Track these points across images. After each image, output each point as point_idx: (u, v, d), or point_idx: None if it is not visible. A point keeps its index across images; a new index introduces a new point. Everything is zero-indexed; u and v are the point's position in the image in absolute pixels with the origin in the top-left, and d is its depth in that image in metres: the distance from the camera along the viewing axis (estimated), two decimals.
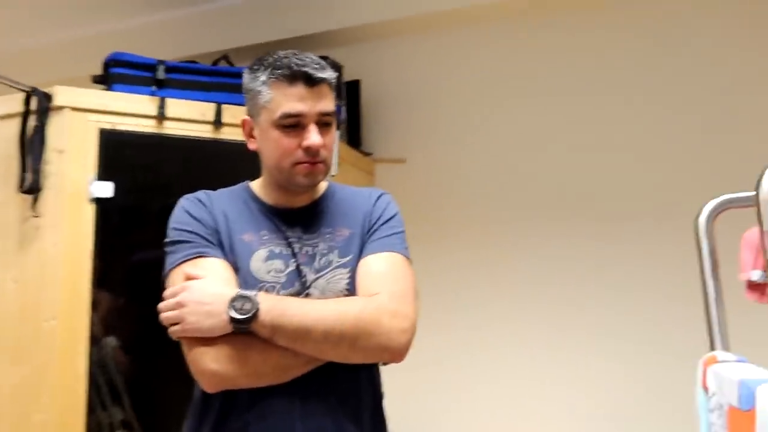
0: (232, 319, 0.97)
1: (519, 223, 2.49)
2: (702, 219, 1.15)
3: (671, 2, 2.36)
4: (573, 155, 2.46)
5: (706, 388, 1.05)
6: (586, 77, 2.48)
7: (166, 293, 1.05)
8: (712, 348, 1.11)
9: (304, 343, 0.98)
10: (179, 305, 1.00)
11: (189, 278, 1.04)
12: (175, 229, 1.12)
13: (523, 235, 2.48)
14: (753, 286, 1.25)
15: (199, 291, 1.01)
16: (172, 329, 1.01)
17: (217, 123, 2.03)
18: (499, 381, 2.43)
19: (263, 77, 1.10)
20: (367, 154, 2.74)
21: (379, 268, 1.09)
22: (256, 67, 1.13)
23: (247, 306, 0.97)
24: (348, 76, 2.66)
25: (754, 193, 1.12)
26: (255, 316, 0.97)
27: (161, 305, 1.04)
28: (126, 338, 2.01)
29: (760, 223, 0.75)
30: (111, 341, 1.92)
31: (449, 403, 2.48)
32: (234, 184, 1.25)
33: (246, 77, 1.16)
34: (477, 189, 2.59)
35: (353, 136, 2.68)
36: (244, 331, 0.97)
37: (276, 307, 0.98)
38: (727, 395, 0.92)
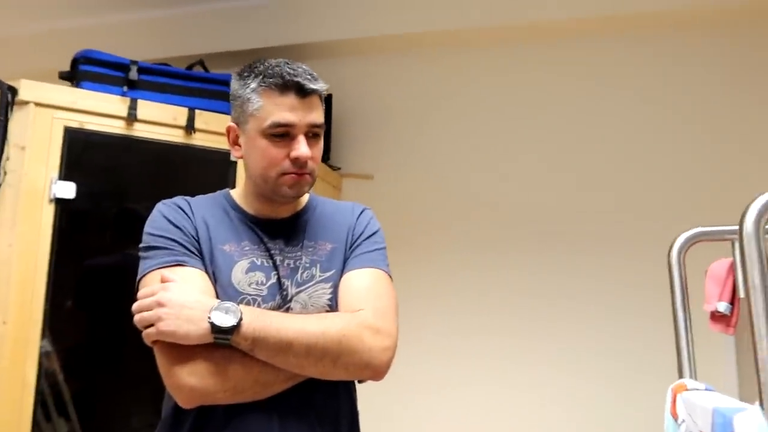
0: (214, 328, 0.93)
1: (486, 242, 2.54)
2: (674, 251, 1.19)
3: (657, 25, 2.46)
4: (544, 175, 2.52)
5: (674, 415, 1.08)
6: (559, 100, 2.55)
7: (141, 292, 0.99)
8: (681, 375, 1.14)
9: (286, 358, 0.95)
10: (158, 304, 0.94)
11: (164, 281, 0.99)
12: (152, 234, 1.07)
13: (489, 252, 2.52)
14: (717, 317, 1.30)
15: (179, 293, 0.96)
16: (146, 332, 0.95)
17: (189, 128, 1.99)
18: (468, 395, 2.45)
19: (253, 84, 1.07)
20: (335, 169, 2.74)
21: (362, 284, 1.08)
22: (246, 74, 1.10)
23: (230, 316, 0.93)
24: None
25: (724, 227, 1.17)
26: (237, 326, 0.93)
27: (136, 305, 0.97)
28: (75, 346, 1.93)
29: (742, 255, 0.78)
30: (44, 345, 1.80)
31: (422, 418, 2.48)
32: (203, 191, 1.20)
33: (234, 84, 1.12)
34: (444, 207, 2.63)
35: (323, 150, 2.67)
36: (223, 342, 0.93)
37: (258, 320, 0.95)
38: (699, 423, 0.94)
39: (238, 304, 0.97)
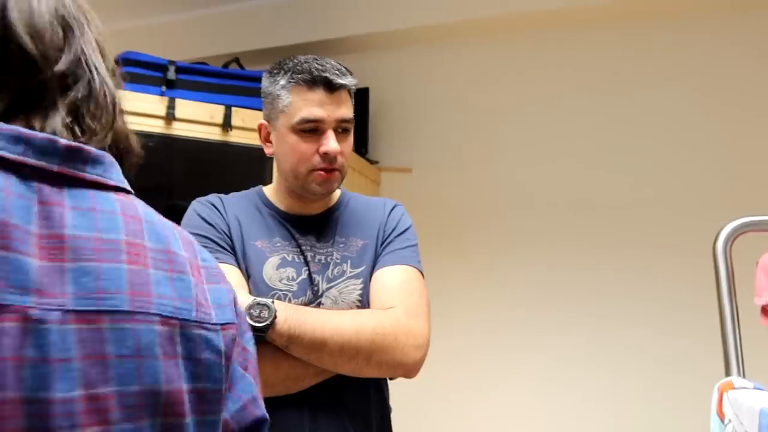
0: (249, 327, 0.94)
1: (525, 235, 2.49)
2: (720, 243, 1.14)
3: (685, 15, 2.37)
4: (582, 168, 2.45)
5: (721, 415, 1.04)
6: (596, 91, 2.48)
7: None
8: (728, 373, 1.09)
9: (320, 355, 0.96)
10: None
11: None
12: (187, 232, 1.09)
13: (529, 246, 2.47)
14: None
15: None
16: None
17: (226, 126, 2.01)
18: (506, 391, 2.42)
19: (283, 81, 1.08)
20: (373, 162, 2.73)
21: (394, 281, 1.07)
22: (275, 71, 1.11)
23: (265, 313, 0.94)
24: (357, 84, 2.66)
25: None
26: (272, 324, 0.94)
27: None
28: None
29: None
30: None
31: (454, 416, 2.47)
32: (241, 188, 1.23)
33: (265, 81, 1.14)
34: (482, 201, 2.59)
35: (360, 144, 2.67)
36: (259, 339, 0.94)
37: (293, 316, 0.96)
38: (745, 424, 0.90)
39: (273, 300, 0.98)
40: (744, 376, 1.08)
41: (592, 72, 2.50)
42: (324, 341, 0.95)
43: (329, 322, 0.97)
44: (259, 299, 0.96)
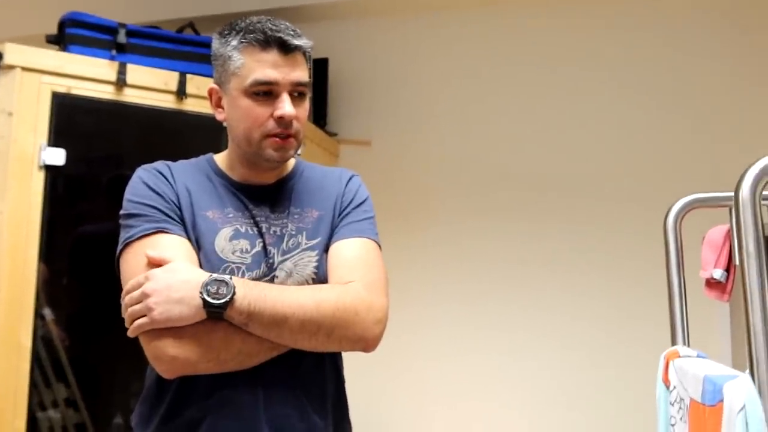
0: (207, 304, 0.90)
1: (483, 209, 2.51)
2: (670, 218, 1.16)
3: None
4: (544, 141, 2.48)
5: (666, 382, 1.07)
6: (557, 65, 2.50)
7: (128, 286, 0.95)
8: (674, 343, 1.13)
9: (280, 332, 0.93)
10: (144, 296, 0.91)
11: (150, 261, 0.95)
12: (132, 201, 1.03)
13: (487, 220, 2.50)
14: (712, 284, 1.28)
15: (165, 278, 0.92)
16: (137, 323, 0.91)
17: (181, 93, 1.95)
18: (461, 365, 2.45)
19: (234, 42, 1.03)
20: (332, 135, 2.70)
21: (352, 254, 1.05)
22: (226, 31, 1.06)
23: (223, 290, 0.90)
24: (316, 54, 2.61)
25: (721, 193, 1.15)
26: (231, 300, 0.90)
27: (124, 301, 0.94)
28: (70, 313, 1.93)
29: (737, 222, 0.75)
30: (46, 314, 1.82)
31: (410, 388, 2.50)
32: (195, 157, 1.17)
33: (215, 43, 1.08)
34: (442, 173, 2.60)
35: (319, 116, 2.63)
36: (218, 317, 0.91)
37: (252, 293, 0.92)
38: (689, 390, 0.93)
39: (222, 273, 0.95)
40: (689, 346, 1.12)
41: (551, 44, 2.51)
42: (285, 317, 0.92)
43: (289, 298, 0.94)
44: (216, 276, 0.93)
